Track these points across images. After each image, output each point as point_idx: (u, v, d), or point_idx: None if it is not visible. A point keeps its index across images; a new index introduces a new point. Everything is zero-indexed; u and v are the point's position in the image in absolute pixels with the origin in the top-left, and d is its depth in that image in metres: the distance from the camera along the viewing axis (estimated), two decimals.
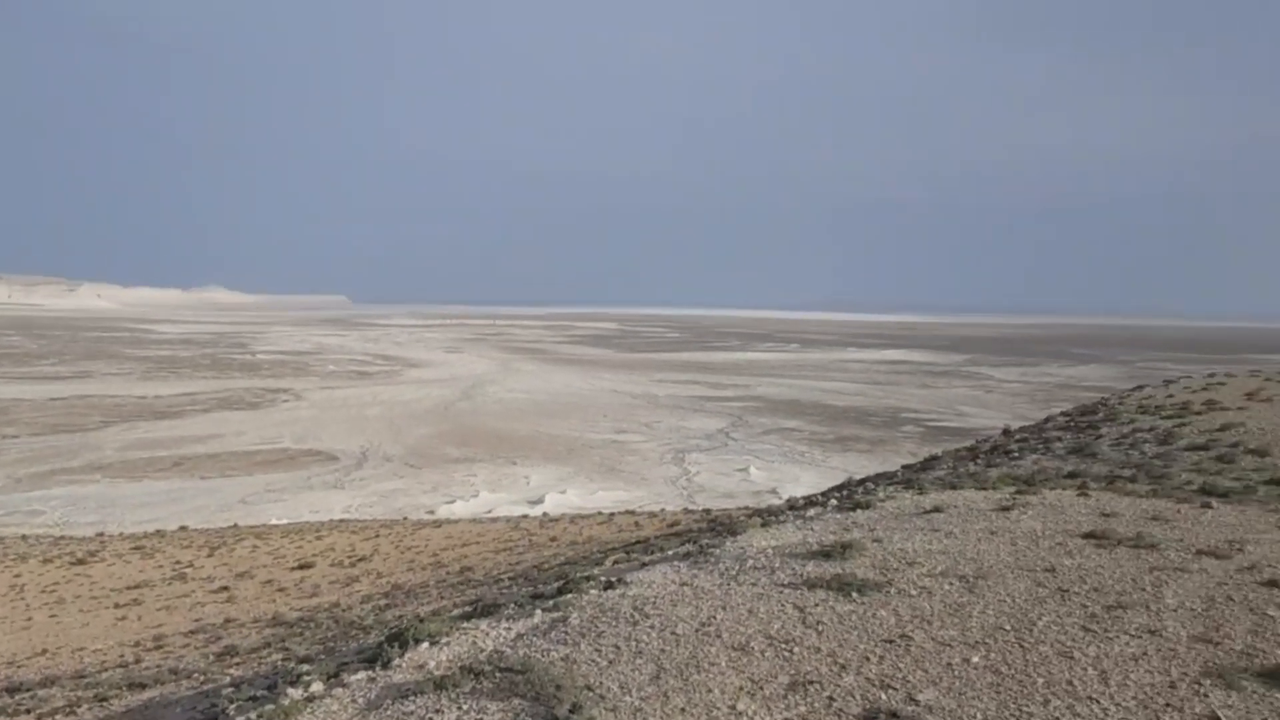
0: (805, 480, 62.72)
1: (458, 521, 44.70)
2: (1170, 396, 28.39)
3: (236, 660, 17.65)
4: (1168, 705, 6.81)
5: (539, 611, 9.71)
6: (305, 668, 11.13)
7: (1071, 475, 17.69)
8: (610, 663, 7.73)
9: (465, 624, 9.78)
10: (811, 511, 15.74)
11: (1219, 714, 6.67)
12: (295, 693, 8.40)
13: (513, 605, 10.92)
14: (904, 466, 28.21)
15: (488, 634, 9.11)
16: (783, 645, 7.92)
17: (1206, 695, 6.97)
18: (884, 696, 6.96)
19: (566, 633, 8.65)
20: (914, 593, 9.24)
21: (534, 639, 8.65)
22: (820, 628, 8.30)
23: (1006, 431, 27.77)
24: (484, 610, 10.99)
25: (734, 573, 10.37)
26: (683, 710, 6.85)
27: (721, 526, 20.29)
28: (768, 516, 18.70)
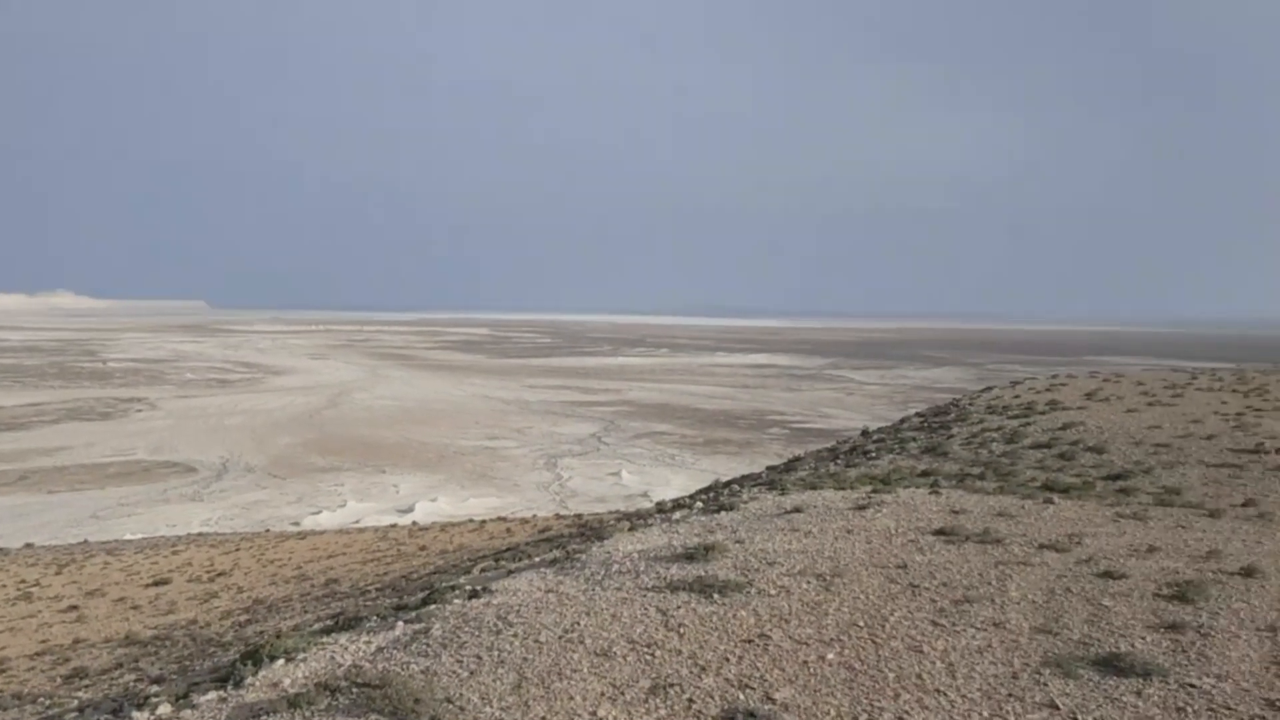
0: (676, 483, 63.31)
1: (324, 533, 43.51)
2: (1017, 397, 29.78)
3: (85, 683, 16.78)
4: (1010, 695, 7.12)
5: (401, 624, 9.53)
6: (155, 689, 10.66)
7: (925, 474, 18.36)
8: (471, 673, 7.64)
9: (325, 639, 9.52)
10: (678, 514, 15.91)
11: (1057, 702, 7.00)
12: (141, 716, 8.04)
13: (375, 618, 10.68)
14: (768, 468, 28.77)
15: (347, 648, 8.88)
16: (645, 649, 7.97)
17: (1046, 684, 7.31)
18: (742, 697, 7.07)
19: (428, 644, 8.51)
20: (773, 592, 9.42)
21: (395, 652, 8.48)
22: (682, 630, 8.38)
23: (865, 432, 28.64)
24: (345, 624, 10.73)
25: (599, 578, 10.39)
26: (544, 719, 6.82)
27: (590, 531, 20.31)
28: (635, 520, 18.80)
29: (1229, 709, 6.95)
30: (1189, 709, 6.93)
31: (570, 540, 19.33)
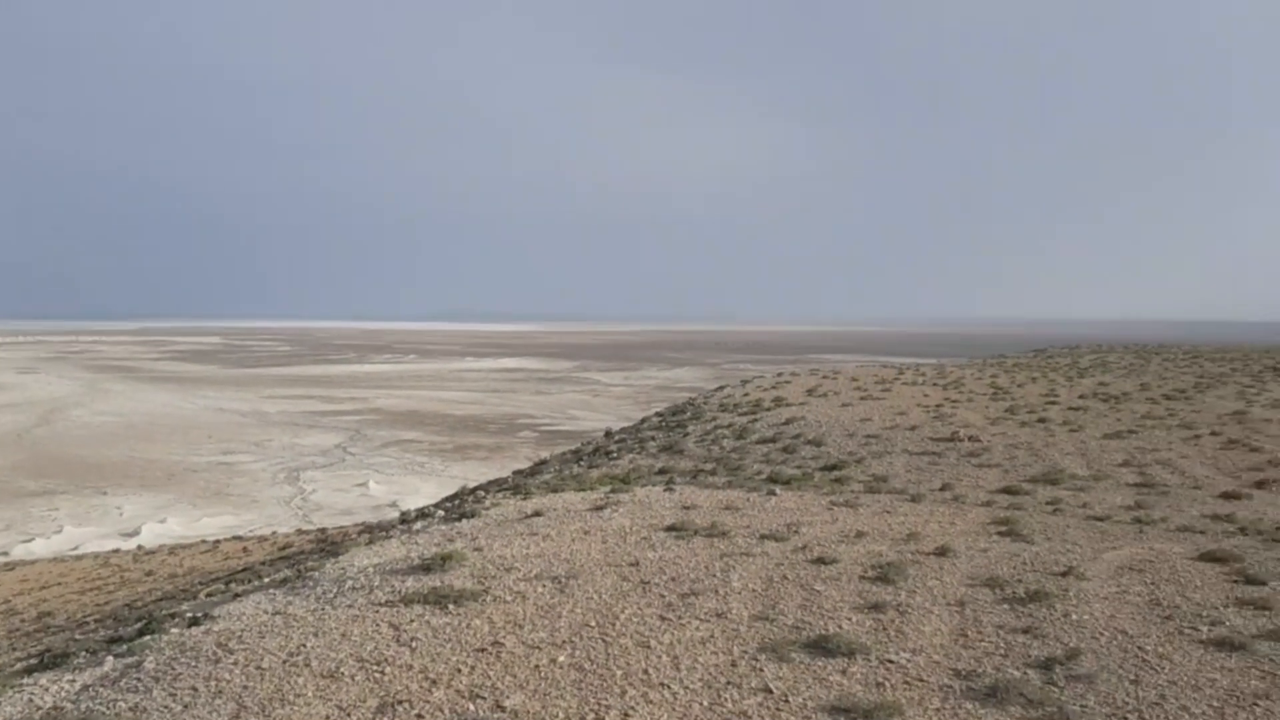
0: (425, 491, 62.16)
1: (36, 562, 39.67)
2: (746, 395, 31.34)
3: None
4: (729, 683, 7.51)
5: (111, 658, 8.89)
6: None
7: (662, 471, 19.02)
8: (185, 707, 7.24)
9: (25, 680, 8.76)
10: (419, 524, 15.68)
11: (771, 686, 7.46)
12: None
13: (84, 654, 9.91)
14: (515, 472, 28.85)
15: (48, 689, 8.21)
16: (374, 667, 7.83)
17: (762, 670, 7.77)
18: (472, 707, 7.08)
19: (139, 679, 7.98)
20: (509, 599, 9.49)
21: (102, 689, 7.91)
22: (414, 644, 8.29)
23: (609, 433, 29.27)
24: (50, 661, 9.88)
25: (331, 595, 10.09)
26: None
27: (330, 547, 19.66)
28: (376, 533, 18.39)
29: (922, 680, 7.64)
30: (887, 683, 7.56)
31: (308, 557, 18.64)
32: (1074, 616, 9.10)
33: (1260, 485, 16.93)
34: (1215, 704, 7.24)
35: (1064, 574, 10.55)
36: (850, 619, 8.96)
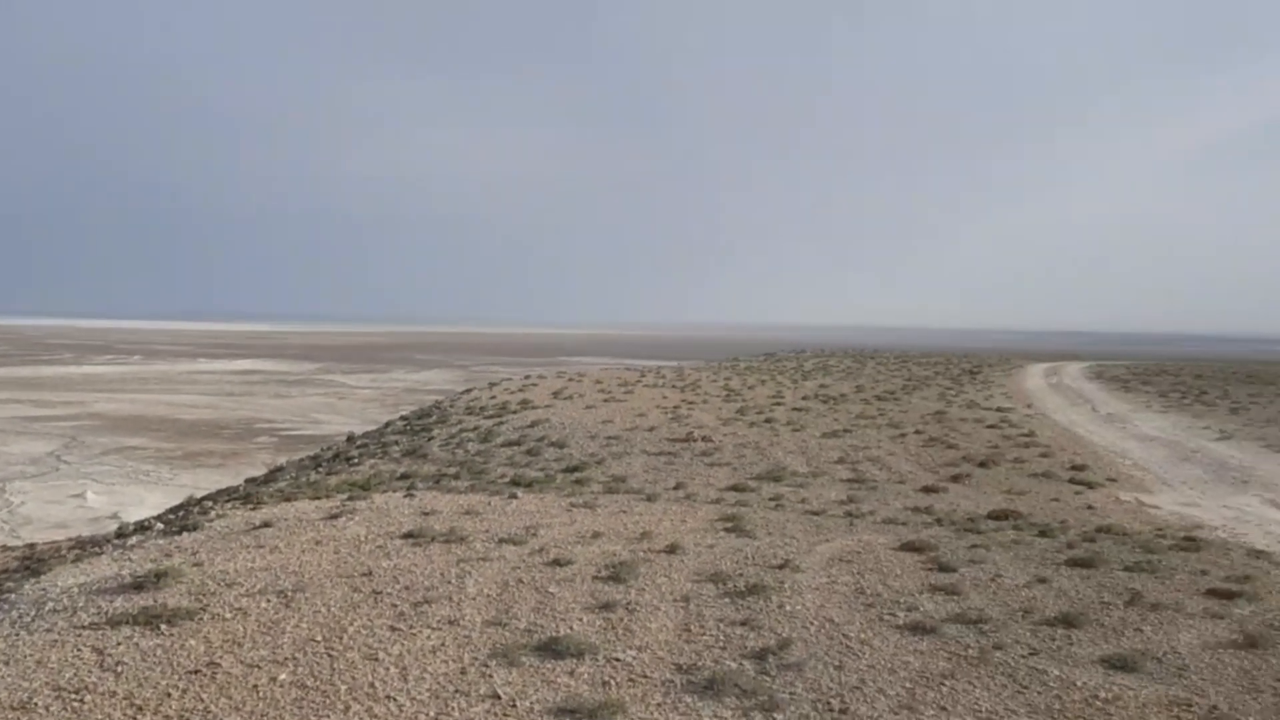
0: (151, 501, 57.60)
1: None
2: (493, 398, 31.33)
3: None
4: (457, 691, 7.51)
5: None
6: None
7: (404, 477, 18.70)
8: None
9: None
10: (135, 539, 14.65)
11: (499, 692, 7.51)
12: None
13: None
14: (248, 480, 27.46)
15: None
16: (73, 696, 7.27)
17: (492, 676, 7.80)
18: None
19: None
20: (229, 615, 9.05)
21: None
22: (120, 669, 7.76)
23: (350, 438, 28.44)
24: None
25: (28, 619, 9.27)
26: None
27: (35, 565, 18.01)
28: (89, 548, 17.04)
29: (645, 676, 7.92)
30: (612, 681, 7.79)
31: (9, 577, 17.00)
32: (788, 607, 9.72)
33: (955, 479, 18.69)
34: (908, 685, 7.93)
35: (781, 566, 11.25)
36: (581, 619, 9.16)
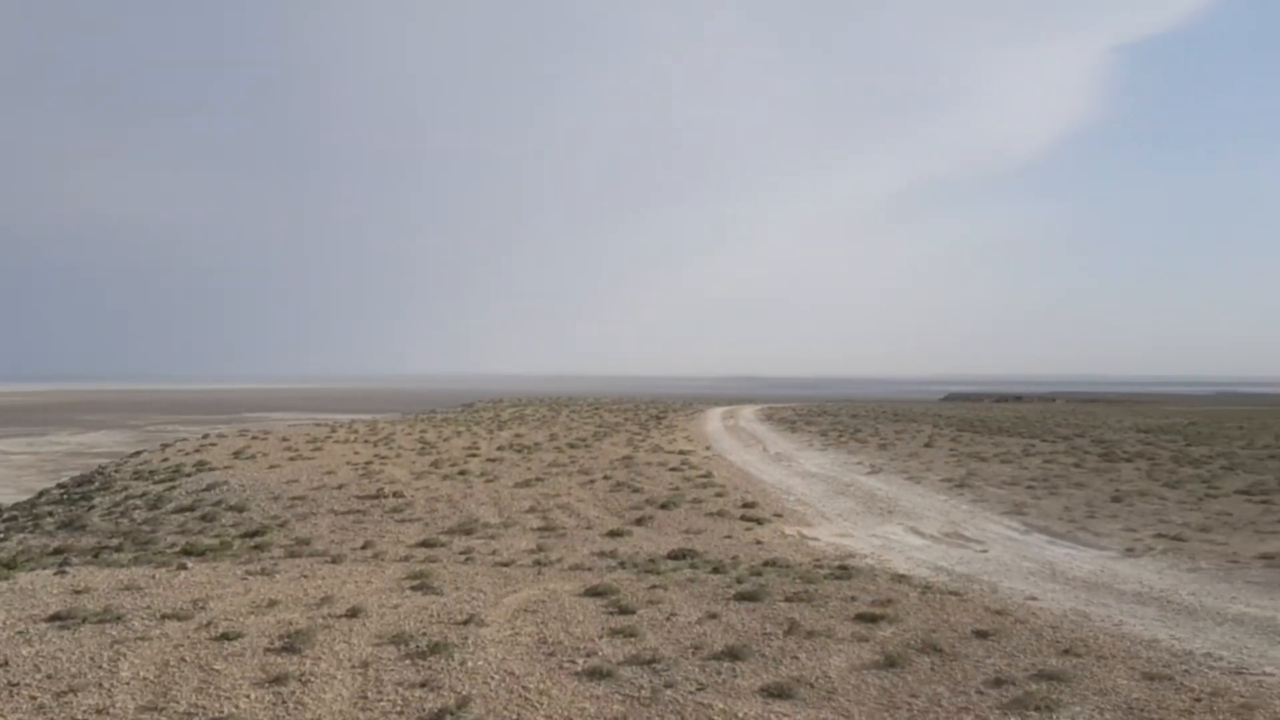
0: None
1: None
2: (165, 460, 29.16)
3: None
4: None
5: None
6: None
7: (58, 551, 17.05)
8: None
9: None
10: None
11: None
12: None
13: None
14: None
15: None
16: None
17: None
18: None
19: None
20: None
21: None
22: None
23: None
24: None
25: None
26: None
27: None
28: None
29: None
30: None
31: None
32: (469, 664, 9.75)
33: (639, 522, 19.47)
34: None
35: (466, 622, 11.27)
36: (249, 696, 8.73)
